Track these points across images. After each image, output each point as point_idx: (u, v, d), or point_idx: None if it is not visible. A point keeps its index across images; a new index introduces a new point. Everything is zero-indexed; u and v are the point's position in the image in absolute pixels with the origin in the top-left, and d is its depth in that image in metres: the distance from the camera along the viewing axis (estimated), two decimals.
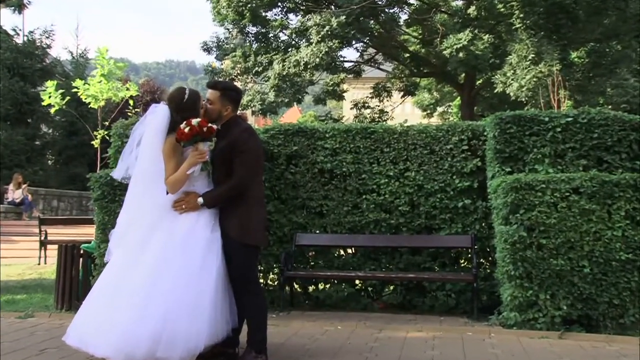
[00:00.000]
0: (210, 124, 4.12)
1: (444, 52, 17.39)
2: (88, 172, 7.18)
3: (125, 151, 4.37)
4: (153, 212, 4.12)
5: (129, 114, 9.63)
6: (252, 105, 20.29)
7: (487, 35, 17.34)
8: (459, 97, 24.44)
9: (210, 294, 3.91)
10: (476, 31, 17.38)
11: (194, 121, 4.05)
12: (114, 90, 9.10)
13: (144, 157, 4.19)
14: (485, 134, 6.48)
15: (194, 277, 3.91)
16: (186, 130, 4.02)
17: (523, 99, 16.15)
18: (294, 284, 7.03)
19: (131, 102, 9.29)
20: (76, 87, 8.95)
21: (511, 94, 16.37)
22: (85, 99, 9.05)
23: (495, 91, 17.76)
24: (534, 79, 15.55)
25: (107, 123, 9.07)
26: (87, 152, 22.79)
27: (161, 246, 3.99)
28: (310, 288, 7.17)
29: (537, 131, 6.03)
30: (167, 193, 4.17)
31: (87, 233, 12.19)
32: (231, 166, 4.21)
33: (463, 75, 20.70)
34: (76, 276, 6.87)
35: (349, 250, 7.11)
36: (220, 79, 4.32)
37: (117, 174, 4.40)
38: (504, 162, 6.07)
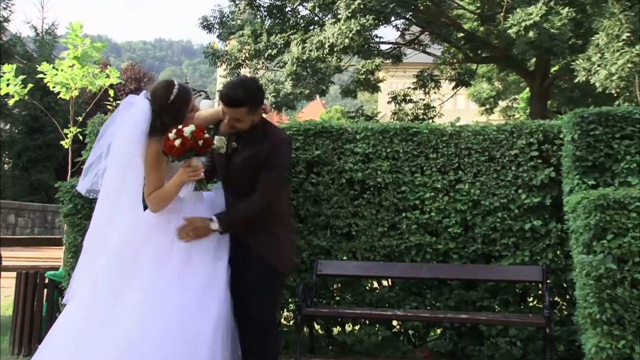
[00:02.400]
0: (206, 135, 4.11)
1: (509, 30, 17.33)
2: (55, 180, 7.25)
3: (91, 156, 4.42)
4: (129, 235, 4.17)
5: (109, 107, 9.72)
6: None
7: (566, 9, 17.23)
8: (527, 89, 24.34)
9: (207, 344, 3.93)
10: (552, 3, 17.29)
11: (187, 131, 4.01)
12: (90, 77, 9.19)
13: (114, 166, 4.23)
14: (561, 136, 6.45)
15: (188, 325, 3.93)
16: (177, 143, 4.00)
17: (613, 91, 16.02)
18: (315, 324, 7.04)
19: (111, 92, 9.39)
20: (42, 73, 9.07)
21: (597, 84, 16.24)
22: (53, 87, 9.14)
23: (576, 81, 17.66)
24: (628, 65, 15.41)
25: (80, 118, 9.15)
26: (55, 155, 23.17)
27: (143, 285, 3.99)
28: (335, 330, 7.17)
29: (631, 133, 5.99)
30: (145, 209, 4.23)
31: (53, 257, 12.31)
32: (257, 178, 4.32)
33: (533, 60, 20.62)
34: (39, 312, 6.94)
35: (385, 283, 7.11)
36: (235, 85, 4.30)
37: (81, 185, 4.44)
38: (585, 172, 6.03)
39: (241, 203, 4.34)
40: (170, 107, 4.21)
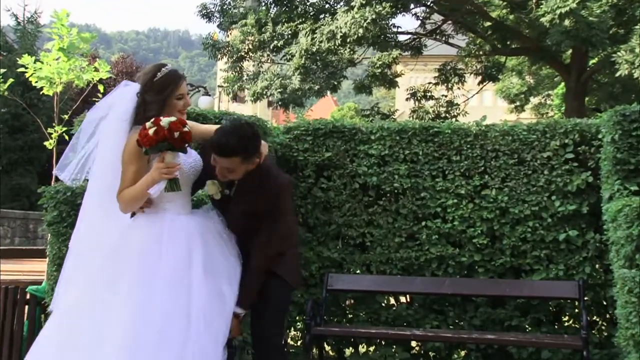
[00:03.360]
0: (186, 129, 4.07)
1: (542, 19, 17.28)
2: (38, 185, 7.27)
3: (74, 138, 4.43)
4: (120, 238, 4.19)
5: (97, 103, 9.77)
6: (268, 93, 20.46)
7: None
8: (562, 84, 24.27)
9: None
10: None
11: (164, 120, 4.00)
12: (77, 71, 9.23)
13: (104, 158, 4.23)
14: (599, 136, 6.45)
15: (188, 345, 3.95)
16: (150, 132, 3.98)
17: None
18: (325, 344, 7.05)
19: (101, 87, 9.41)
20: (23, 66, 9.12)
21: None
22: (36, 82, 9.19)
23: (617, 75, 17.56)
24: None
25: (66, 116, 9.20)
26: (37, 157, 23.28)
27: (134, 299, 3.98)
28: (347, 351, 7.19)
29: None
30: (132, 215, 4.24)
31: (35, 270, 12.35)
32: (261, 224, 4.42)
33: (569, 52, 20.56)
34: (19, 331, 6.97)
35: (402, 299, 7.12)
36: (228, 132, 4.38)
37: (65, 173, 4.42)
38: (627, 177, 6.02)
39: (247, 273, 4.40)
40: (155, 85, 4.22)
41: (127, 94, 4.30)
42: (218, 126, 4.52)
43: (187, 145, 4.15)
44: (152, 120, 4.02)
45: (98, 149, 4.30)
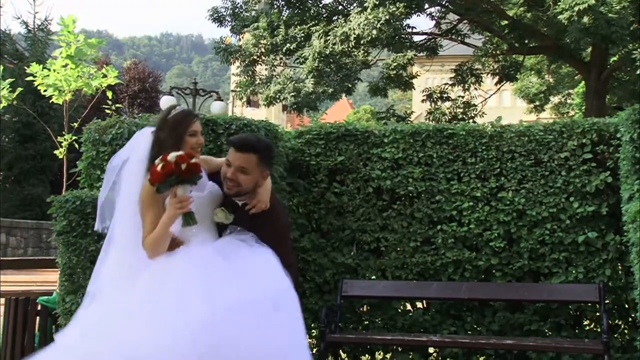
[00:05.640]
0: (193, 159, 4.06)
1: (560, 16, 17.24)
2: (50, 194, 7.30)
3: (102, 192, 4.46)
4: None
5: (107, 110, 9.82)
6: (281, 97, 20.50)
7: None
8: (583, 82, 24.18)
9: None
10: None
11: (171, 155, 4.02)
12: (85, 78, 9.30)
13: (124, 204, 4.23)
14: (618, 135, 6.42)
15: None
16: (158, 168, 4.01)
17: None
18: (340, 351, 7.06)
19: (109, 93, 9.50)
20: (32, 74, 9.18)
21: None
22: (45, 90, 9.26)
23: (639, 72, 17.52)
24: None
25: (75, 124, 9.28)
26: (49, 166, 23.38)
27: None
28: (364, 358, 7.18)
29: None
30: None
31: (48, 281, 12.41)
32: None
33: (589, 50, 20.49)
34: (30, 343, 7.00)
35: (419, 304, 7.11)
36: (248, 134, 4.57)
37: (98, 225, 4.47)
38: None
39: None
40: (169, 121, 4.29)
41: (146, 134, 4.34)
42: None
43: (197, 177, 4.19)
44: (160, 157, 4.06)
45: (120, 198, 4.32)
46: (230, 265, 4.05)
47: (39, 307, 7.07)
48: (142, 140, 4.34)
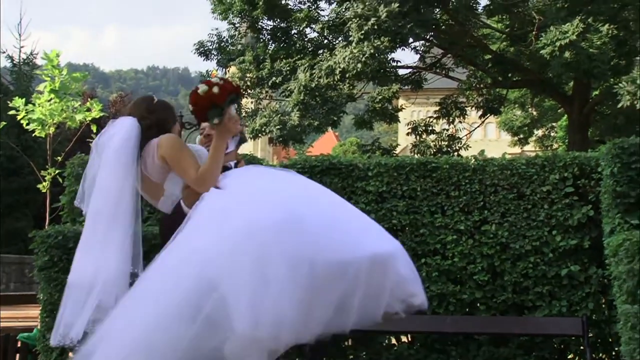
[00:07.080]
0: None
1: (542, 51, 17.38)
2: (34, 228, 7.26)
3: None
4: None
5: (91, 144, 9.79)
6: (267, 130, 20.51)
7: (606, 26, 17.30)
8: (565, 116, 24.34)
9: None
10: (590, 20, 17.37)
11: (215, 78, 4.05)
12: (69, 112, 9.29)
13: (102, 184, 4.25)
14: (599, 169, 6.46)
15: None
16: (215, 90, 3.94)
17: None
18: None
19: (94, 127, 9.47)
20: (14, 109, 9.15)
21: None
22: (27, 124, 9.23)
23: (619, 106, 17.64)
24: None
25: (59, 158, 9.25)
26: (33, 200, 23.17)
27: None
28: None
29: None
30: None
31: (29, 316, 12.31)
32: None
33: (571, 84, 20.65)
34: None
35: (404, 338, 7.08)
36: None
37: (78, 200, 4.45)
38: (628, 210, 6.03)
39: None
40: (158, 104, 4.43)
41: (125, 125, 4.33)
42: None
43: (241, 93, 4.41)
44: (203, 83, 4.01)
45: (97, 179, 4.32)
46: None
47: (19, 344, 7.00)
48: (119, 129, 4.33)
